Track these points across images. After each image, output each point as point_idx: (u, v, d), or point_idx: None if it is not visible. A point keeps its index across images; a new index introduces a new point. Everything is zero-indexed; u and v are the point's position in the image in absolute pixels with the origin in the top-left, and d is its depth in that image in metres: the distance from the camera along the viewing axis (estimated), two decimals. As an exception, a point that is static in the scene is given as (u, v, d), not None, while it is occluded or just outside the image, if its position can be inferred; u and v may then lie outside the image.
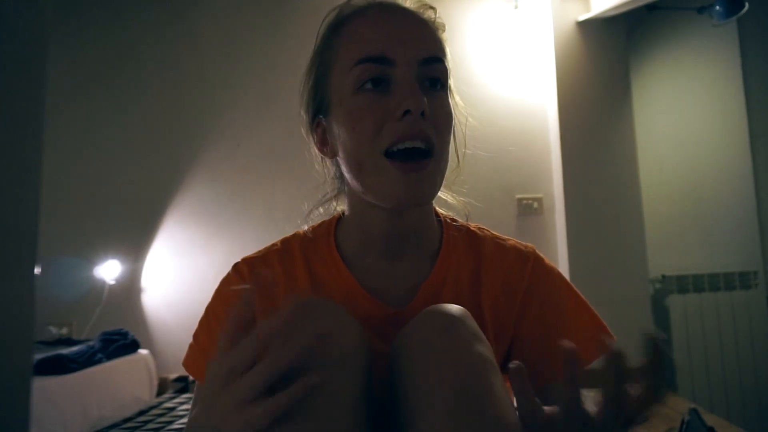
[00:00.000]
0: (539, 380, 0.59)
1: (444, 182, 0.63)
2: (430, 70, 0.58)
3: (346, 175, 0.62)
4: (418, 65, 0.57)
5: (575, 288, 0.66)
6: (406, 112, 0.54)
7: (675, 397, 2.06)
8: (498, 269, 0.65)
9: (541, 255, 0.68)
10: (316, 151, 0.67)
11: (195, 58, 2.66)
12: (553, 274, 0.67)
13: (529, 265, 0.66)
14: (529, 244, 0.69)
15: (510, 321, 0.64)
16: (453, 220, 0.71)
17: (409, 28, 0.58)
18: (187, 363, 0.66)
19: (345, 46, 0.59)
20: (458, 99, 0.68)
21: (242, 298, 0.45)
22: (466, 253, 0.67)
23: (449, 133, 0.60)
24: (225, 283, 0.68)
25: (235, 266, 0.68)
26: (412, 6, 0.62)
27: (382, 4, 0.60)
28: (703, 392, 2.34)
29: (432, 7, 0.64)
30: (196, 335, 0.67)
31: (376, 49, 0.56)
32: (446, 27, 0.65)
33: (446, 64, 0.61)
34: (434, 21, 0.63)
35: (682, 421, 1.36)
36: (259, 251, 0.70)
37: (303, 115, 0.68)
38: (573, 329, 0.62)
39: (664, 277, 2.43)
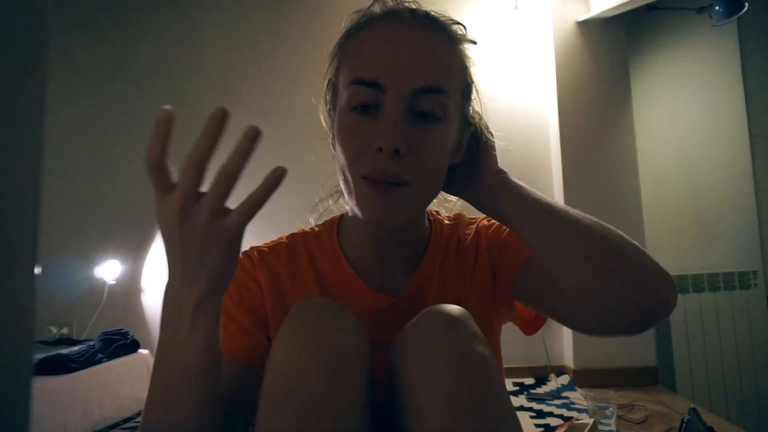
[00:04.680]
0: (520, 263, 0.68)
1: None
2: (425, 101, 0.56)
3: (339, 179, 0.64)
4: (411, 95, 0.56)
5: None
6: (381, 148, 0.55)
7: (674, 396, 2.06)
8: (468, 245, 0.73)
9: (482, 217, 0.75)
10: (330, 143, 0.68)
11: (195, 59, 2.66)
12: (488, 220, 0.75)
13: (475, 226, 0.75)
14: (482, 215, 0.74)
15: (489, 269, 0.71)
16: (444, 216, 0.76)
17: (411, 52, 0.56)
18: None
19: (349, 60, 0.60)
20: (484, 122, 0.71)
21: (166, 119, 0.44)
22: (448, 245, 0.72)
23: (435, 164, 0.59)
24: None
25: (246, 252, 0.72)
26: (439, 17, 0.61)
27: (395, 16, 0.59)
28: (702, 392, 2.34)
29: (458, 23, 0.62)
30: None
31: (371, 73, 0.56)
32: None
33: (451, 91, 0.59)
34: (457, 39, 0.62)
35: (682, 421, 1.36)
36: (267, 243, 0.73)
37: (323, 107, 0.69)
38: (513, 239, 0.70)
39: (663, 277, 2.42)
